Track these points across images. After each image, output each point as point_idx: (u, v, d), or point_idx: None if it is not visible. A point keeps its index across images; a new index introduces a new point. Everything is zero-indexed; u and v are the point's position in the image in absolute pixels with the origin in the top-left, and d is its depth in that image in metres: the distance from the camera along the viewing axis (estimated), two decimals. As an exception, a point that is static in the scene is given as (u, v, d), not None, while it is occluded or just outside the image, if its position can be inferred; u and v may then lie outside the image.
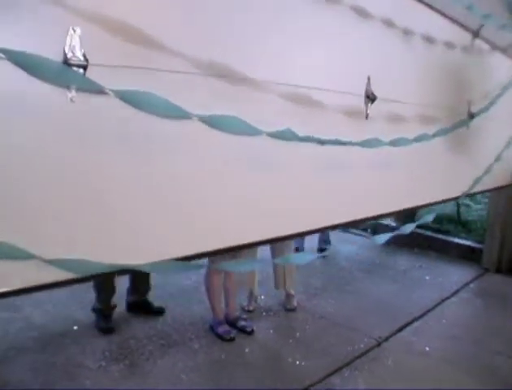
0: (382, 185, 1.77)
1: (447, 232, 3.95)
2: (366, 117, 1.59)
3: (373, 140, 1.54)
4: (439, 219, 4.23)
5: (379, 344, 2.31)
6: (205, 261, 1.85)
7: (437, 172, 2.22)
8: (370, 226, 4.43)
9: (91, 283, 2.43)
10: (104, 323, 2.37)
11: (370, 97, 1.57)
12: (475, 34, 2.28)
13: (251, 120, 1.08)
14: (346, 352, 2.21)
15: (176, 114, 0.93)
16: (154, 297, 2.68)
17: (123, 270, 0.94)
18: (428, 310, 2.74)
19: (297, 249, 3.69)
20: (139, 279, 2.56)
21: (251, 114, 1.09)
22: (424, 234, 3.95)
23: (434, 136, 1.89)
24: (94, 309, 2.41)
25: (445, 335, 2.45)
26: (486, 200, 4.16)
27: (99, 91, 0.81)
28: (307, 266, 3.49)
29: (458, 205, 4.24)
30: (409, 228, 1.78)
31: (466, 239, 3.83)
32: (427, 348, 2.29)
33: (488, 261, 3.51)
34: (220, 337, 2.28)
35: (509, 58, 2.71)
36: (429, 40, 1.92)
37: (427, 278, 3.31)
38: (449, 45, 2.12)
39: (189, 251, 1.11)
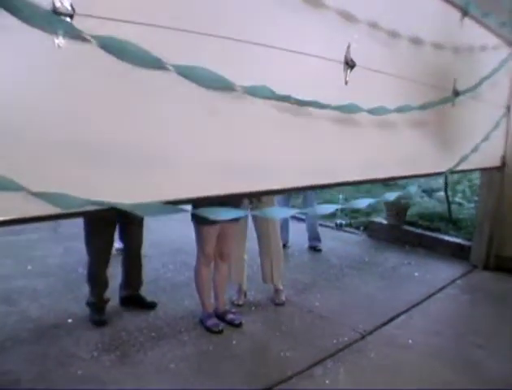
0: (372, 153, 1.93)
1: (437, 230, 4.03)
2: (346, 83, 1.67)
3: (352, 105, 1.63)
4: (430, 217, 4.32)
5: (363, 337, 2.39)
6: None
7: (425, 147, 2.32)
8: (362, 224, 4.51)
9: (85, 279, 2.53)
10: (97, 316, 2.46)
11: (350, 64, 1.64)
12: (465, 13, 2.33)
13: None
14: (331, 344, 2.29)
15: (153, 64, 1.01)
16: (147, 292, 2.76)
17: (105, 210, 1.04)
18: (414, 306, 2.82)
19: (284, 246, 3.78)
20: (132, 274, 2.65)
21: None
22: (415, 231, 4.04)
23: (418, 108, 1.97)
24: (88, 303, 2.50)
25: (429, 330, 2.53)
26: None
27: (83, 38, 0.90)
28: (297, 262, 3.61)
29: (449, 203, 4.32)
30: (391, 196, 1.91)
31: (456, 236, 3.91)
32: (410, 342, 2.37)
33: (476, 258, 3.59)
34: (209, 330, 2.37)
35: (498, 38, 2.76)
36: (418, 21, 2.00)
37: (416, 274, 3.39)
38: (439, 23, 2.19)
39: (176, 196, 1.21)
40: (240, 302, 2.72)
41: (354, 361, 2.16)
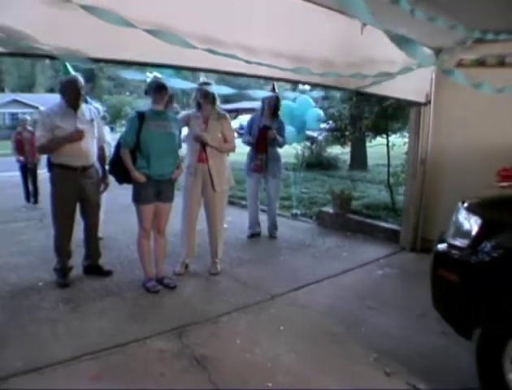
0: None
1: (377, 217, 4.65)
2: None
3: (303, 68, 2.38)
4: (377, 207, 4.95)
5: (271, 298, 3.06)
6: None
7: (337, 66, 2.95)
8: (313, 214, 5.17)
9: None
10: (62, 280, 3.21)
11: None
12: None
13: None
14: (242, 302, 2.97)
15: (127, 25, 1.76)
16: (109, 264, 3.52)
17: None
18: (329, 277, 3.47)
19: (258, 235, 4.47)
20: (91, 247, 3.40)
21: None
22: (356, 219, 4.67)
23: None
24: (55, 269, 3.26)
25: (332, 295, 3.17)
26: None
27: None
28: (244, 244, 4.30)
29: (392, 193, 4.93)
30: None
31: (392, 223, 4.52)
32: (310, 303, 3.02)
33: (404, 241, 4.20)
34: (148, 290, 3.09)
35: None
36: None
37: (345, 254, 4.04)
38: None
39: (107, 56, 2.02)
40: (181, 272, 3.43)
41: (256, 314, 2.83)
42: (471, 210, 2.12)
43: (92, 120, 3.19)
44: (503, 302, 1.89)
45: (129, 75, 3.07)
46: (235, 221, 4.82)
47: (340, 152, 7.76)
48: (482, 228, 2.01)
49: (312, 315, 2.86)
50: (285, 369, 2.23)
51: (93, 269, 3.40)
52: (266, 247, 4.24)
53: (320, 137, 7.28)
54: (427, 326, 2.71)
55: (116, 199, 4.52)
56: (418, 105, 3.94)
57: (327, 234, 4.66)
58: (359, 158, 8.19)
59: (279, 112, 4.44)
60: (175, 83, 3.25)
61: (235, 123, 11.92)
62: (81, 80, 3.08)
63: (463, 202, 2.21)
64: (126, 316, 2.75)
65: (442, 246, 2.22)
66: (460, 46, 3.43)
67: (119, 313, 2.79)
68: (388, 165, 5.05)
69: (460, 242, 2.10)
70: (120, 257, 3.84)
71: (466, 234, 2.08)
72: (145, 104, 4.02)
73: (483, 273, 1.97)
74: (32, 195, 6.39)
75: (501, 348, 1.88)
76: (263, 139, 4.32)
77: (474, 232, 2.03)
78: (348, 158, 8.46)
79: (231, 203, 5.71)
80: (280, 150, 4.51)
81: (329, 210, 4.91)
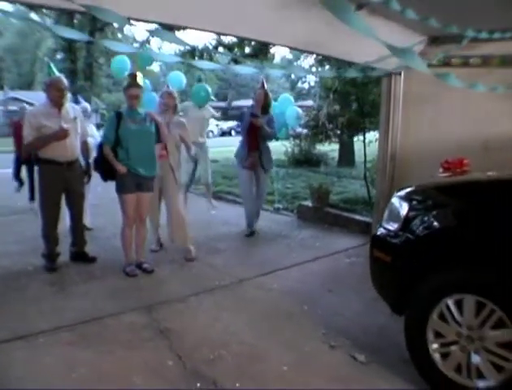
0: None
1: (353, 211, 4.95)
2: None
3: (297, 68, 2.68)
4: (355, 201, 5.26)
5: (240, 282, 3.39)
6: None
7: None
8: (295, 208, 5.49)
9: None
10: (49, 265, 3.57)
11: None
12: None
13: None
14: (212, 285, 3.31)
15: (126, 23, 1.97)
16: (95, 252, 3.86)
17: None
18: (298, 264, 3.79)
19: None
20: (77, 235, 3.76)
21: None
22: (333, 212, 4.98)
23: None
24: (43, 255, 3.62)
25: (297, 280, 3.48)
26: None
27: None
28: (221, 234, 4.63)
29: (368, 188, 5.23)
30: None
31: (366, 216, 4.82)
32: (275, 286, 3.34)
33: (375, 233, 4.50)
34: (127, 274, 3.44)
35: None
36: None
37: (317, 244, 4.35)
38: None
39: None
40: (157, 249, 3.89)
41: (223, 295, 3.17)
42: (402, 196, 2.43)
43: (75, 118, 3.54)
44: (425, 278, 2.20)
45: (118, 47, 2.96)
46: (218, 214, 5.16)
47: (330, 149, 8.05)
48: (408, 213, 2.31)
49: (275, 297, 3.19)
50: (240, 340, 2.55)
51: (79, 256, 3.76)
52: (244, 238, 4.57)
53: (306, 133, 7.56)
54: (379, 308, 2.96)
55: (107, 193, 4.88)
56: (389, 75, 4.14)
57: (304, 226, 4.98)
58: (347, 155, 8.49)
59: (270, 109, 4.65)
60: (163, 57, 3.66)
61: (234, 122, 12.16)
62: (65, 80, 3.43)
63: (398, 190, 2.52)
64: (105, 296, 3.10)
65: (379, 230, 2.54)
66: (455, 45, 3.64)
67: (98, 292, 3.15)
68: (365, 161, 5.35)
69: (391, 226, 2.41)
70: (106, 245, 4.19)
71: (396, 218, 2.39)
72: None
73: (408, 253, 2.28)
74: (28, 191, 6.71)
75: (425, 321, 2.17)
76: (255, 131, 4.43)
77: (402, 217, 2.34)
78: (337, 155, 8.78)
79: (218, 198, 6.09)
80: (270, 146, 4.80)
81: (309, 203, 5.22)
